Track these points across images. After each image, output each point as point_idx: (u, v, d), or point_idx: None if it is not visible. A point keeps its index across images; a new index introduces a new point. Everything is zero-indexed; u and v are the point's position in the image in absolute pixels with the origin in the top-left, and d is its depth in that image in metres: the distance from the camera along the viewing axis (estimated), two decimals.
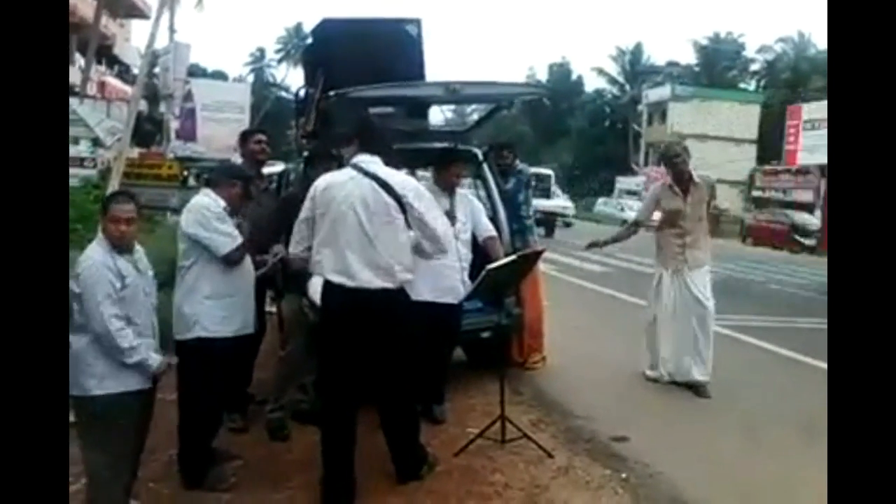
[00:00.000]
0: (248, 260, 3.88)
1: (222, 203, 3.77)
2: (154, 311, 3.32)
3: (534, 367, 5.98)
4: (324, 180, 3.67)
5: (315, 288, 3.88)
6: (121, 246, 3.13)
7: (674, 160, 5.54)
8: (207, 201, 3.76)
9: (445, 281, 4.49)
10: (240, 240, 3.70)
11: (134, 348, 3.06)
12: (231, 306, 3.74)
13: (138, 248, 3.28)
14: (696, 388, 5.43)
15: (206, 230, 3.64)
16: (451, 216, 4.47)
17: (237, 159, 5.16)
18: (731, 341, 7.22)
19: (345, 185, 3.54)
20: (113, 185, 9.36)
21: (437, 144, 5.38)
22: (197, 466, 3.70)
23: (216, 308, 3.69)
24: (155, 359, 3.16)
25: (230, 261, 3.68)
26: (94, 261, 3.05)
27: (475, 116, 7.19)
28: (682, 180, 5.51)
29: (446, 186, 4.67)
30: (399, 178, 3.61)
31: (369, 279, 3.47)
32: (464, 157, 4.90)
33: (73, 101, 16.43)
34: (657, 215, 5.84)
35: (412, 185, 3.65)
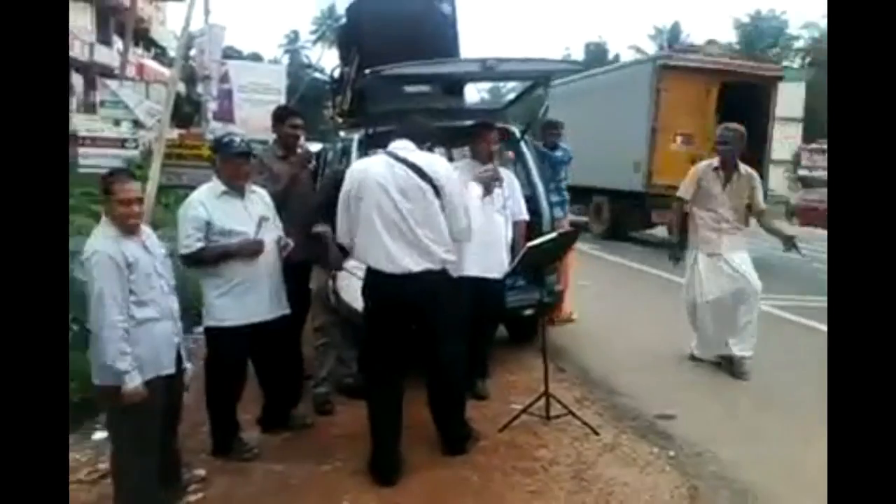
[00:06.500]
0: (266, 245, 3.74)
1: (220, 188, 3.68)
2: (173, 291, 3.12)
3: (563, 323, 5.96)
4: (359, 166, 3.69)
5: (352, 292, 3.94)
6: (132, 229, 2.94)
7: (719, 146, 5.42)
8: (200, 193, 3.70)
9: (493, 256, 4.49)
10: (197, 246, 3.56)
11: (123, 355, 2.80)
12: (242, 294, 3.66)
13: (145, 228, 3.08)
14: (734, 368, 5.32)
15: (180, 225, 3.62)
16: (496, 178, 4.45)
17: (272, 139, 5.09)
18: (775, 319, 7.10)
19: (380, 171, 3.53)
20: (155, 166, 9.51)
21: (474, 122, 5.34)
22: (221, 437, 3.80)
23: (225, 297, 3.65)
24: (134, 378, 2.84)
25: (184, 263, 3.64)
26: (99, 252, 2.81)
27: (511, 97, 7.14)
28: (725, 166, 5.37)
29: (484, 156, 4.62)
30: (432, 162, 3.60)
31: (411, 263, 3.48)
32: (495, 126, 4.85)
33: (113, 84, 16.70)
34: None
35: (445, 170, 3.64)
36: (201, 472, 3.54)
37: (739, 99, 11.91)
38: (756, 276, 5.32)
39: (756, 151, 11.57)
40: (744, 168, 5.39)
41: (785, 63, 45.62)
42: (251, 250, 3.67)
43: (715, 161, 5.45)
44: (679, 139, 12.58)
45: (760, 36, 45.69)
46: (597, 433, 4.14)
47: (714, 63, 12.41)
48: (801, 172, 31.01)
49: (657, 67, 12.45)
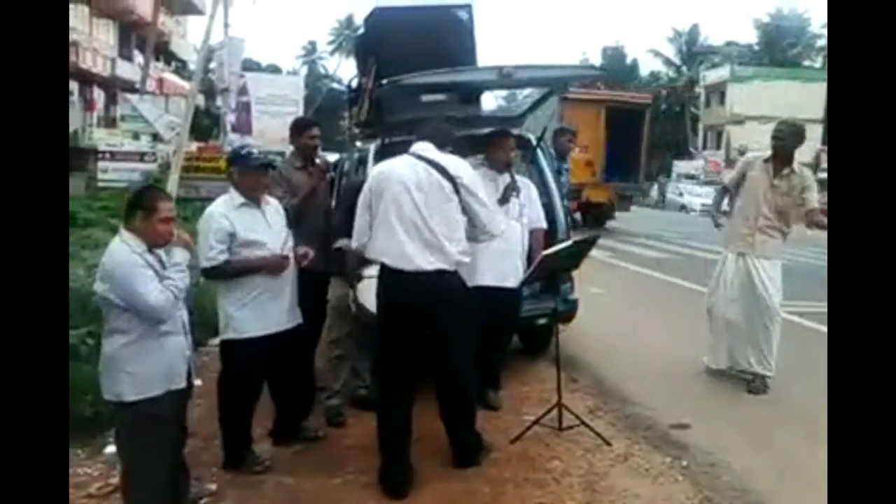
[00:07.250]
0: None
1: (238, 199, 3.69)
2: (184, 305, 3.12)
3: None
4: (379, 167, 3.71)
5: (366, 294, 3.92)
6: (163, 245, 2.97)
7: (773, 140, 5.18)
8: (220, 205, 3.70)
9: (508, 265, 4.48)
10: (222, 258, 3.57)
11: (178, 288, 2.89)
12: (263, 305, 3.67)
13: None
14: (751, 382, 5.19)
15: (202, 237, 3.61)
16: (513, 188, 4.44)
17: (289, 150, 5.12)
18: (795, 327, 6.99)
19: (400, 169, 3.56)
20: (173, 178, 9.62)
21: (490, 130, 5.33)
22: (233, 451, 3.79)
23: (245, 309, 3.65)
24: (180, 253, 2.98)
25: (206, 276, 3.65)
26: (124, 265, 2.83)
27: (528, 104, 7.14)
28: (776, 161, 5.17)
29: (501, 165, 4.59)
30: (453, 161, 3.61)
31: (424, 262, 3.48)
32: (511, 133, 4.84)
33: (133, 98, 16.99)
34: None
35: (466, 170, 3.64)
36: (212, 486, 3.55)
37: (621, 120, 17.16)
38: (776, 296, 5.14)
39: (634, 160, 18.05)
40: (797, 167, 5.18)
41: (807, 63, 45.16)
42: (277, 267, 3.68)
43: (767, 153, 5.26)
44: (577, 149, 16.27)
45: (782, 35, 45.15)
46: (609, 444, 4.10)
47: (600, 95, 17.60)
48: (821, 175, 30.54)
49: (560, 99, 15.87)
